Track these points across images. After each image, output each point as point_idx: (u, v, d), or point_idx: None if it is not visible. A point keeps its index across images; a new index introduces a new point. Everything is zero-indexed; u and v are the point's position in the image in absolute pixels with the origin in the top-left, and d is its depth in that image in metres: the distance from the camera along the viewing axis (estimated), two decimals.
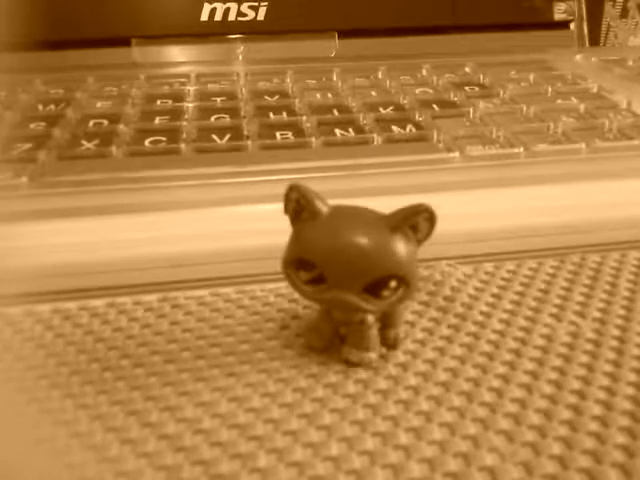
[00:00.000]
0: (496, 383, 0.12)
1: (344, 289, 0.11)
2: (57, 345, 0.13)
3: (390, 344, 0.13)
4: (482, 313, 0.14)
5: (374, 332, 0.12)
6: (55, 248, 0.15)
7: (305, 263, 0.11)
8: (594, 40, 0.33)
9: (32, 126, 0.21)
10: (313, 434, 0.11)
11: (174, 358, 0.13)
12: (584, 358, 0.12)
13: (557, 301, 0.14)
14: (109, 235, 0.15)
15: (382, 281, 0.11)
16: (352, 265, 0.11)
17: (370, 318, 0.12)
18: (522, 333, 0.13)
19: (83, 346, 0.13)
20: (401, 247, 0.11)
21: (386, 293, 0.11)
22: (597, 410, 0.11)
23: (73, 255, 0.15)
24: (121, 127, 0.21)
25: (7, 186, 0.17)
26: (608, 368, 0.12)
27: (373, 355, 0.12)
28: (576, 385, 0.12)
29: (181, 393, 0.12)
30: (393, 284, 0.11)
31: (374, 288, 0.11)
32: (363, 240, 0.11)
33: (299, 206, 0.11)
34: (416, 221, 0.11)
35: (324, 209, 0.11)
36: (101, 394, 0.12)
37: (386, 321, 0.13)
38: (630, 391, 0.11)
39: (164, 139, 0.20)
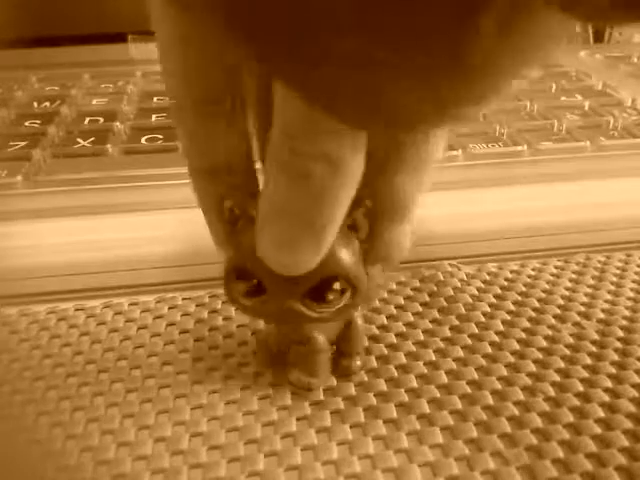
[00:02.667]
0: (499, 385, 0.12)
1: (284, 296, 0.10)
2: (53, 346, 0.13)
3: (342, 373, 0.12)
4: (485, 314, 0.13)
5: (323, 357, 0.11)
6: (50, 248, 0.15)
7: (243, 273, 0.10)
8: (598, 37, 0.33)
9: (27, 124, 0.21)
10: (313, 437, 0.11)
11: (172, 360, 0.12)
12: (588, 360, 0.12)
13: (561, 302, 0.14)
14: (105, 234, 0.15)
15: (325, 283, 0.10)
16: None
17: (320, 339, 0.11)
18: (525, 335, 0.13)
19: (79, 347, 0.13)
20: (340, 246, 0.10)
21: (331, 296, 0.10)
22: (601, 413, 0.11)
23: (69, 255, 0.15)
24: (117, 125, 0.21)
25: (1, 185, 0.17)
26: (612, 370, 0.12)
27: (314, 381, 0.11)
28: (580, 387, 0.11)
29: (179, 395, 0.11)
30: (337, 286, 0.10)
31: (318, 292, 0.10)
32: None
33: (233, 217, 0.10)
34: (353, 218, 0.10)
35: None
36: (98, 396, 0.11)
37: (342, 347, 0.12)
38: (635, 393, 0.11)
39: (161, 137, 0.20)
